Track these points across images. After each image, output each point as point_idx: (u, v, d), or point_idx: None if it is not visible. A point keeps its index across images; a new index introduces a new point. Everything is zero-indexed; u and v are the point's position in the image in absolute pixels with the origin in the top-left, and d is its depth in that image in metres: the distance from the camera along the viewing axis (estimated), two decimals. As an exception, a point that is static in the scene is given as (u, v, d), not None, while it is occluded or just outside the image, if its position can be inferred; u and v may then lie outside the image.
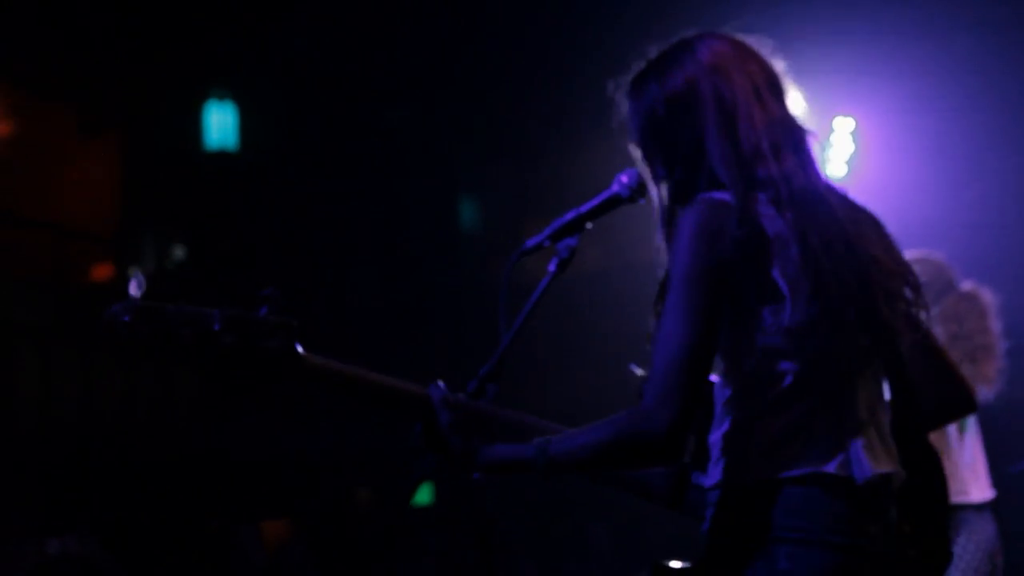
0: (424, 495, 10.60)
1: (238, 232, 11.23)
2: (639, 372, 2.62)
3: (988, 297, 5.00)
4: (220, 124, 11.08)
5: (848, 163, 8.45)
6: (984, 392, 4.67)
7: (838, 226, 2.26)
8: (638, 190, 2.61)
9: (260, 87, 11.29)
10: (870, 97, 8.43)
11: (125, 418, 10.00)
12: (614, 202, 2.67)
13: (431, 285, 11.39)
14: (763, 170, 2.28)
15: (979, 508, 4.81)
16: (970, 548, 4.68)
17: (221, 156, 11.09)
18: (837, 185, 2.41)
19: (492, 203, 12.37)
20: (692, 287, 2.17)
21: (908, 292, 2.33)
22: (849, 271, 2.23)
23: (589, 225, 2.70)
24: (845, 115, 8.47)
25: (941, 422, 2.65)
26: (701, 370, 2.16)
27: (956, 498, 4.52)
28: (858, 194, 2.47)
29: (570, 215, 2.69)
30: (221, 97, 11.11)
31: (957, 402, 2.57)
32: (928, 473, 2.45)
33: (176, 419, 10.17)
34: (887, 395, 2.41)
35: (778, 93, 2.41)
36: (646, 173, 2.51)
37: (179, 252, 11.41)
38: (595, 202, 2.69)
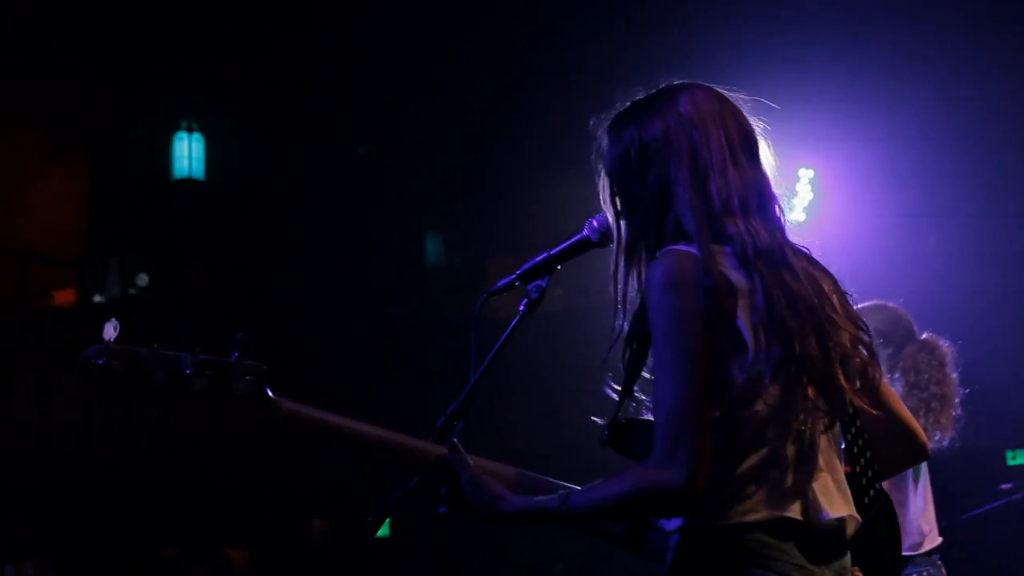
0: (383, 529, 10.55)
1: (203, 260, 11.17)
2: (600, 422, 2.62)
3: (946, 347, 5.02)
4: (188, 153, 11.05)
5: (806, 210, 8.56)
6: (938, 439, 4.70)
7: (800, 286, 2.28)
8: (608, 235, 2.60)
9: (229, 118, 11.27)
10: (831, 148, 8.54)
11: (84, 444, 9.91)
12: (584, 245, 2.69)
13: (394, 318, 11.36)
14: (731, 226, 2.30)
15: (928, 555, 4.84)
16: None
17: (188, 184, 11.06)
18: (800, 245, 2.44)
19: (456, 239, 12.37)
20: (678, 339, 2.20)
21: (863, 351, 2.36)
22: (810, 329, 2.26)
23: (559, 267, 2.72)
24: (806, 166, 8.58)
25: (894, 471, 2.68)
26: (706, 418, 2.18)
27: (908, 551, 4.54)
28: (817, 240, 2.52)
29: (540, 257, 2.71)
30: (189, 127, 11.09)
31: (910, 451, 2.60)
32: (881, 522, 2.48)
33: (135, 447, 10.08)
34: (842, 444, 2.45)
35: (752, 153, 2.43)
36: (609, 210, 2.51)
37: (143, 278, 11.33)
38: (565, 245, 2.71)
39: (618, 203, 2.47)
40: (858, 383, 2.33)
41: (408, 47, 10.24)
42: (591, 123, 2.55)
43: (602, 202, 2.52)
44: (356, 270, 11.36)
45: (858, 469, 2.47)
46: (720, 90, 2.49)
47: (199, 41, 10.39)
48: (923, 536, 4.75)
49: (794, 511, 2.24)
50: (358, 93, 10.78)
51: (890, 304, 4.84)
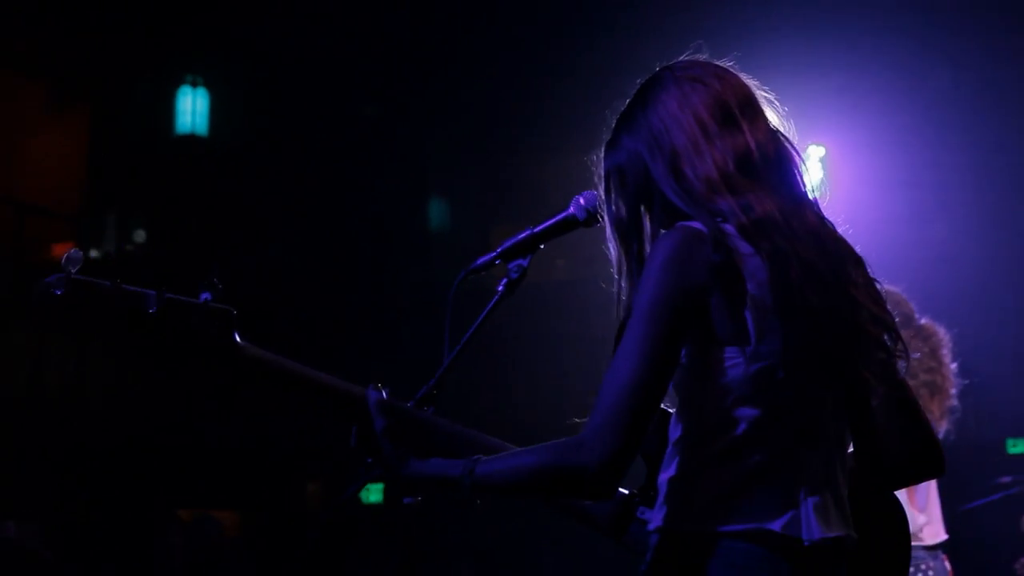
0: (375, 494, 10.48)
1: (202, 217, 11.10)
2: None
3: (942, 334, 4.91)
4: (192, 109, 10.94)
5: (816, 189, 8.40)
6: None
7: (817, 264, 2.10)
8: (594, 213, 2.49)
9: (234, 75, 11.14)
10: (844, 126, 8.41)
11: (75, 401, 9.82)
12: (570, 224, 2.56)
13: (397, 282, 11.28)
14: (723, 203, 2.13)
15: (931, 549, 4.75)
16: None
17: (191, 140, 10.95)
18: (821, 214, 2.25)
19: (461, 204, 12.29)
20: (652, 317, 2.03)
21: (888, 340, 2.18)
22: (825, 316, 2.08)
23: (542, 246, 2.58)
24: (817, 143, 8.43)
25: (908, 482, 2.48)
26: (647, 407, 2.01)
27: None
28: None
29: (523, 235, 2.57)
30: (194, 82, 10.96)
31: (927, 463, 2.40)
32: (885, 534, 2.34)
33: (127, 405, 9.98)
34: (851, 449, 2.26)
35: (735, 118, 2.23)
36: (613, 244, 2.34)
37: (141, 234, 11.27)
38: (550, 223, 2.58)
39: (618, 232, 2.31)
40: (879, 374, 2.16)
41: (419, 9, 10.12)
42: (592, 159, 2.41)
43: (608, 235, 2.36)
44: (359, 232, 11.25)
45: (866, 477, 2.31)
46: (692, 59, 2.34)
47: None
48: (923, 531, 4.67)
49: (782, 525, 2.06)
50: (367, 54, 10.67)
51: (891, 289, 4.71)
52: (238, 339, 2.25)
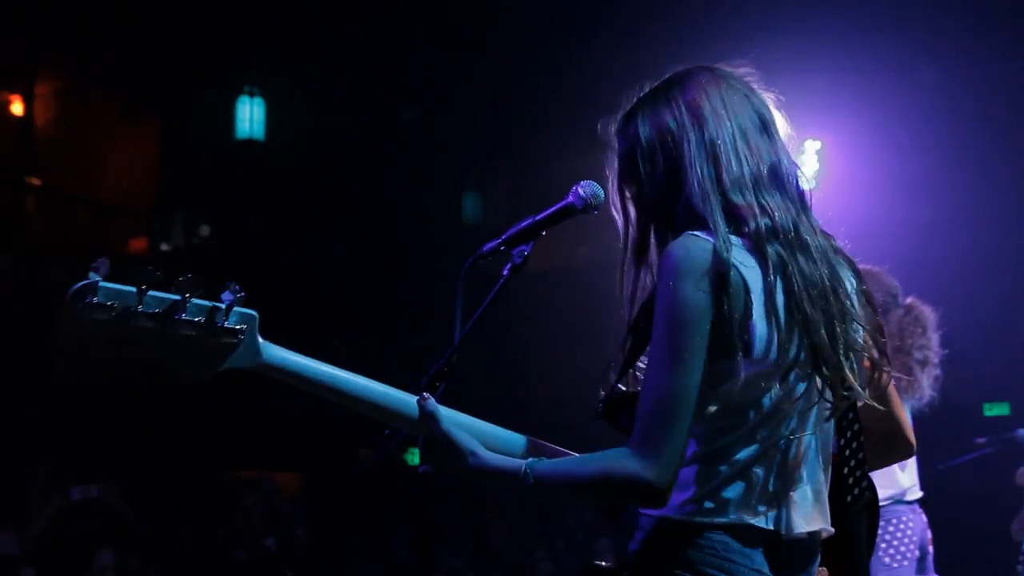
0: (413, 457, 10.47)
1: (261, 214, 11.12)
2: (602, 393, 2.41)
3: (929, 311, 4.86)
4: (250, 116, 11.06)
5: (812, 180, 8.33)
6: (919, 401, 4.55)
7: (815, 269, 2.04)
8: (592, 202, 2.39)
9: (288, 85, 11.21)
10: (838, 121, 8.31)
11: (147, 378, 9.89)
12: (568, 212, 2.48)
13: (435, 272, 11.26)
14: (745, 207, 2.05)
15: (908, 503, 4.71)
16: (898, 535, 4.58)
17: (249, 145, 11.05)
18: (820, 225, 2.17)
19: (493, 198, 12.25)
20: (679, 329, 1.96)
21: (875, 352, 2.12)
22: (820, 326, 2.02)
23: (543, 233, 2.55)
24: (814, 138, 8.35)
25: (877, 466, 2.46)
26: (689, 414, 1.96)
27: (887, 491, 4.42)
28: (821, 210, 2.29)
29: (526, 222, 2.51)
30: (252, 92, 11.09)
31: (898, 450, 2.37)
32: (863, 520, 2.29)
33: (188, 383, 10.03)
34: (834, 446, 2.22)
35: (764, 128, 2.16)
36: (617, 211, 2.25)
37: (205, 229, 11.31)
38: (550, 211, 2.52)
39: (626, 200, 2.22)
40: (865, 380, 2.10)
41: (457, 23, 10.10)
42: (599, 127, 2.30)
43: (611, 204, 2.28)
44: (399, 227, 11.26)
45: (847, 469, 2.26)
46: (726, 69, 2.23)
47: (264, 14, 10.31)
48: (902, 484, 4.63)
49: (765, 521, 2.03)
50: (408, 64, 10.66)
51: (875, 268, 4.66)
52: (260, 340, 2.08)
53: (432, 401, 2.17)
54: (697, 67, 2.21)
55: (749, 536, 2.02)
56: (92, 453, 9.01)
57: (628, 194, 2.21)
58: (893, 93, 8.56)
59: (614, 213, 2.25)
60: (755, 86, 2.23)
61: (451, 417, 2.18)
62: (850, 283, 2.11)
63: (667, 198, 2.12)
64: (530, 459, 2.11)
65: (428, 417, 2.16)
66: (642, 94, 2.23)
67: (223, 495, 9.13)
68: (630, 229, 2.20)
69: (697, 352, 1.95)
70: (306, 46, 10.68)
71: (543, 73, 10.23)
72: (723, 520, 2.02)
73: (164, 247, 11.12)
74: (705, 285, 1.95)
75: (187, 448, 9.90)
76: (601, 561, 2.26)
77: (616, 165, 2.23)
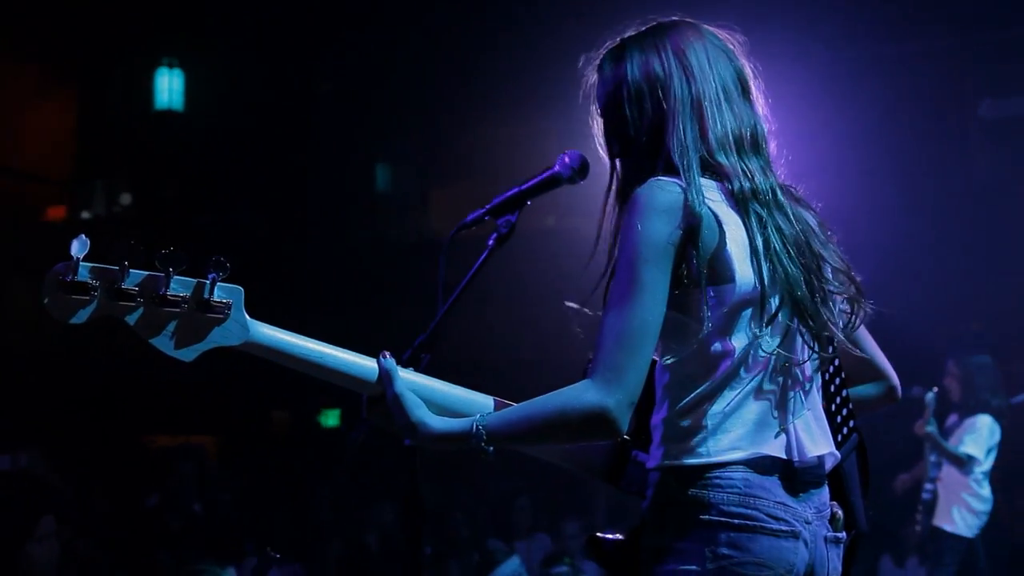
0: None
1: (179, 183, 10.72)
2: (574, 307, 2.22)
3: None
4: (168, 87, 10.64)
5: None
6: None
7: (793, 227, 1.95)
8: (579, 171, 2.20)
9: (206, 56, 10.78)
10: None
11: (70, 345, 9.41)
12: (554, 181, 2.26)
13: (347, 240, 10.94)
14: (726, 163, 1.96)
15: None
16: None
17: (168, 115, 10.66)
18: (788, 185, 2.08)
19: (403, 169, 11.95)
20: (640, 266, 1.85)
21: (852, 289, 2.02)
22: (803, 270, 1.93)
23: (528, 202, 2.27)
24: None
25: (867, 410, 2.28)
26: (647, 349, 1.85)
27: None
28: None
29: (511, 192, 2.27)
30: (171, 64, 10.66)
31: (882, 392, 2.22)
32: (853, 460, 2.13)
33: (113, 345, 9.58)
34: (819, 384, 2.06)
35: (745, 91, 2.06)
36: (604, 149, 2.11)
37: (126, 198, 10.89)
38: (535, 180, 2.27)
39: (613, 142, 2.06)
40: (843, 321, 2.00)
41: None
42: (580, 61, 2.12)
43: (597, 142, 2.12)
44: (313, 195, 10.91)
45: (834, 407, 2.11)
46: (711, 28, 2.09)
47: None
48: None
49: (777, 449, 1.91)
50: (322, 31, 10.30)
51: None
52: (246, 317, 1.92)
53: (390, 360, 2.00)
54: (682, 20, 2.11)
55: (764, 467, 1.91)
56: (16, 422, 8.52)
57: (610, 133, 2.08)
58: (784, 73, 8.45)
59: (600, 152, 2.13)
60: (742, 50, 2.11)
61: (409, 381, 1.99)
62: (819, 232, 2.04)
63: (651, 145, 2.01)
64: (478, 415, 1.93)
65: (383, 376, 1.98)
66: (627, 35, 2.10)
67: (152, 461, 8.73)
68: (616, 170, 2.09)
69: (658, 287, 1.86)
70: (225, 19, 10.25)
71: (454, 47, 9.91)
72: (737, 456, 1.90)
73: (85, 215, 10.61)
74: (669, 223, 1.87)
75: (100, 414, 9.48)
76: (607, 534, 2.06)
77: (600, 104, 2.10)
